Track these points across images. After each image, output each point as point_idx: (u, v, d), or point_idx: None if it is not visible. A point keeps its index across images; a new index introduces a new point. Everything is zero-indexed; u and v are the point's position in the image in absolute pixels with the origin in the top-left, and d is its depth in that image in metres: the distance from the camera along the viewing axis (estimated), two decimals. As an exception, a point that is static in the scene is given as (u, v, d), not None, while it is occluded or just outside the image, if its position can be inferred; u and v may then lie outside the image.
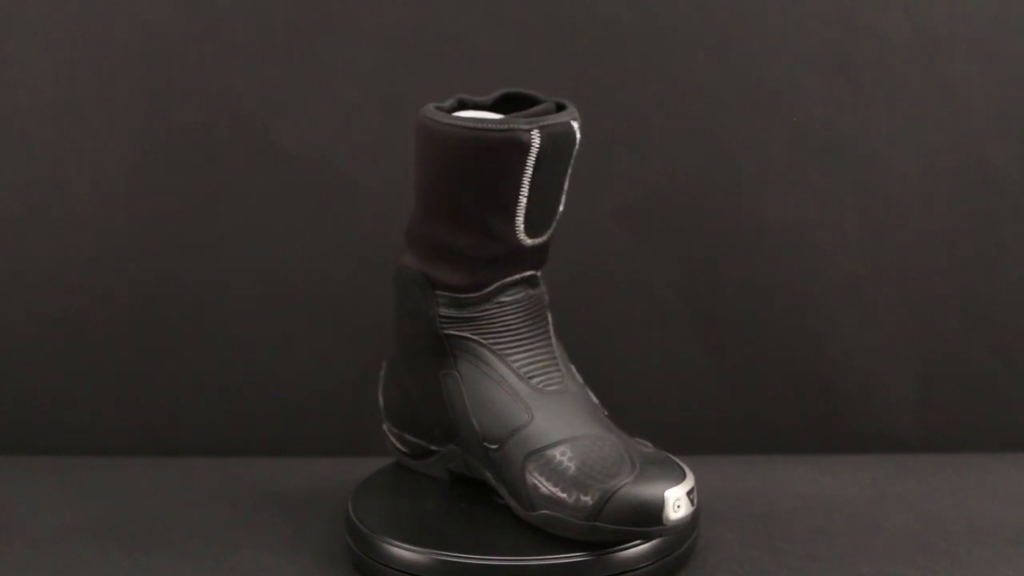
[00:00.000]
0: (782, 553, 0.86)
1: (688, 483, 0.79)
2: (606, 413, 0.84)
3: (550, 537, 0.79)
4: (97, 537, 0.90)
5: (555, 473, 0.79)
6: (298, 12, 1.02)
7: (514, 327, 0.83)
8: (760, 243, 1.04)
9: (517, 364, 0.83)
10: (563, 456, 0.79)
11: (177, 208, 1.04)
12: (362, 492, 0.88)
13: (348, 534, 0.84)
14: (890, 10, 1.02)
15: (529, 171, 0.78)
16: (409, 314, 0.86)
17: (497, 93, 0.85)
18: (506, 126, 0.77)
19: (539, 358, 0.83)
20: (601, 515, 0.77)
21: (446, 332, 0.84)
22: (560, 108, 0.81)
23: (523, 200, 0.79)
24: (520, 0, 1.02)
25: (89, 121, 1.04)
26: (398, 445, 0.91)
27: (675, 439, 1.03)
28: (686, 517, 0.78)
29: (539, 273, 0.85)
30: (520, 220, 0.80)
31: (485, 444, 0.82)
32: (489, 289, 0.82)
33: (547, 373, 0.83)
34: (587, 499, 0.77)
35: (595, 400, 0.85)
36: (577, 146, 0.79)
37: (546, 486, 0.79)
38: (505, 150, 0.77)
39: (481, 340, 0.83)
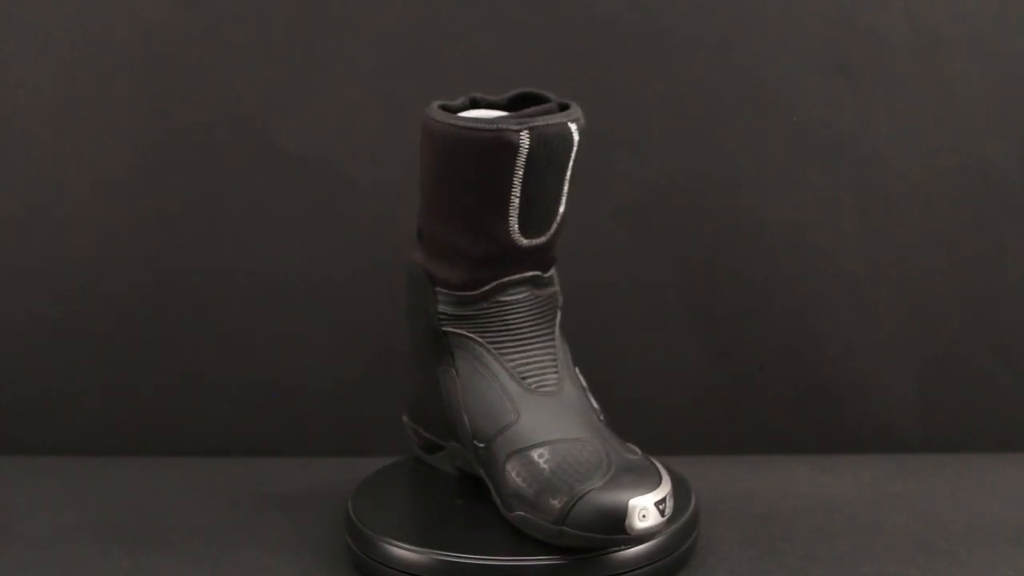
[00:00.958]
0: (782, 553, 0.86)
1: (659, 493, 0.76)
2: (601, 418, 0.84)
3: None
4: (97, 537, 0.90)
5: (531, 474, 0.78)
6: (298, 12, 1.02)
7: (514, 327, 0.83)
8: (760, 243, 1.04)
9: (513, 364, 0.82)
10: (540, 458, 0.79)
11: (177, 208, 1.04)
12: (362, 492, 0.88)
13: (348, 534, 0.84)
14: (890, 10, 1.02)
15: (520, 172, 0.77)
16: (413, 310, 0.86)
17: (512, 92, 0.84)
18: (495, 126, 0.77)
19: (538, 359, 0.83)
20: (567, 520, 0.76)
21: (444, 329, 0.84)
22: (565, 109, 0.81)
23: (515, 200, 0.79)
24: (520, 0, 1.02)
25: (89, 121, 1.04)
26: (414, 438, 0.91)
27: (675, 439, 1.03)
28: (655, 527, 0.76)
29: (548, 274, 0.84)
30: (514, 220, 0.79)
31: (475, 442, 0.83)
32: (486, 288, 0.82)
33: (543, 374, 0.83)
34: (555, 502, 0.76)
35: (594, 404, 0.84)
36: (575, 148, 0.79)
37: (522, 487, 0.78)
38: (494, 150, 0.77)
39: (478, 338, 0.83)
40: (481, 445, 0.82)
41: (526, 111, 0.80)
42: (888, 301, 1.05)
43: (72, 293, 1.05)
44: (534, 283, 0.84)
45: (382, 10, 1.02)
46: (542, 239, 0.81)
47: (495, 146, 0.77)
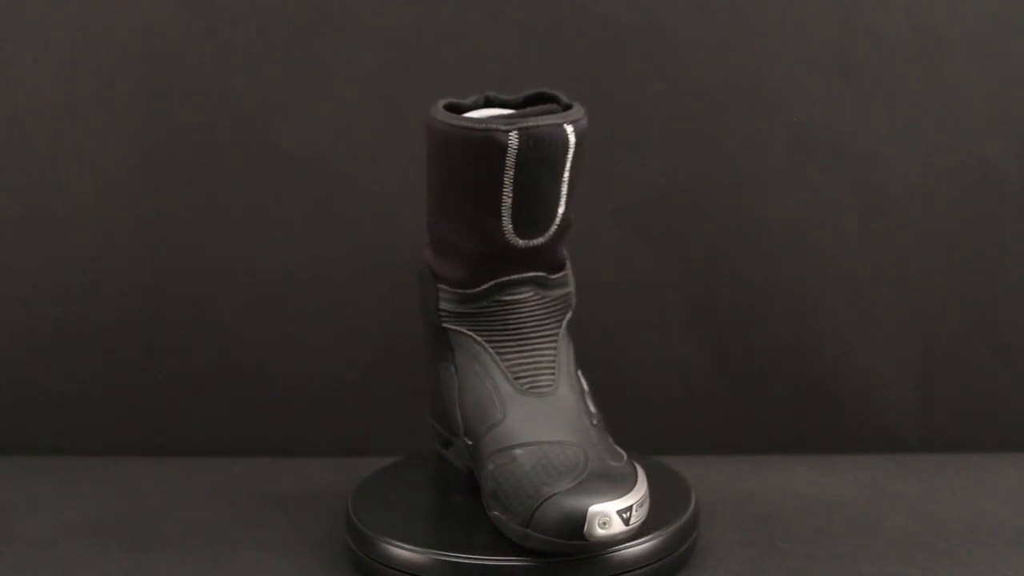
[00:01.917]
0: (782, 553, 0.86)
1: (624, 502, 0.74)
2: (595, 422, 0.82)
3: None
4: (97, 537, 0.90)
5: (505, 475, 0.78)
6: (298, 12, 1.02)
7: (514, 327, 0.83)
8: (760, 243, 1.04)
9: (508, 363, 0.82)
10: (517, 459, 0.78)
11: (177, 208, 1.04)
12: (362, 492, 0.88)
13: (348, 534, 0.84)
14: (890, 10, 1.02)
15: (510, 172, 0.77)
16: (421, 306, 0.86)
17: (527, 93, 0.84)
18: (484, 126, 0.77)
19: (535, 359, 0.83)
20: (532, 523, 0.75)
21: (445, 326, 0.84)
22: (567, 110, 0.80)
23: (507, 200, 0.78)
24: (520, 0, 1.02)
25: (89, 121, 1.04)
26: (432, 432, 0.92)
27: (675, 439, 1.03)
28: (618, 535, 0.75)
29: (557, 275, 0.84)
30: (507, 220, 0.79)
31: (465, 439, 0.83)
32: (485, 287, 0.82)
33: (538, 375, 0.82)
34: (522, 505, 0.76)
35: (590, 408, 0.83)
36: (571, 150, 0.78)
37: (497, 487, 0.78)
38: (484, 150, 0.77)
39: (477, 337, 0.83)
40: (470, 443, 0.83)
41: (523, 111, 0.80)
42: (888, 301, 1.05)
43: (72, 293, 1.05)
44: (539, 284, 0.83)
45: (382, 10, 1.02)
46: (539, 240, 0.81)
47: (484, 146, 0.77)
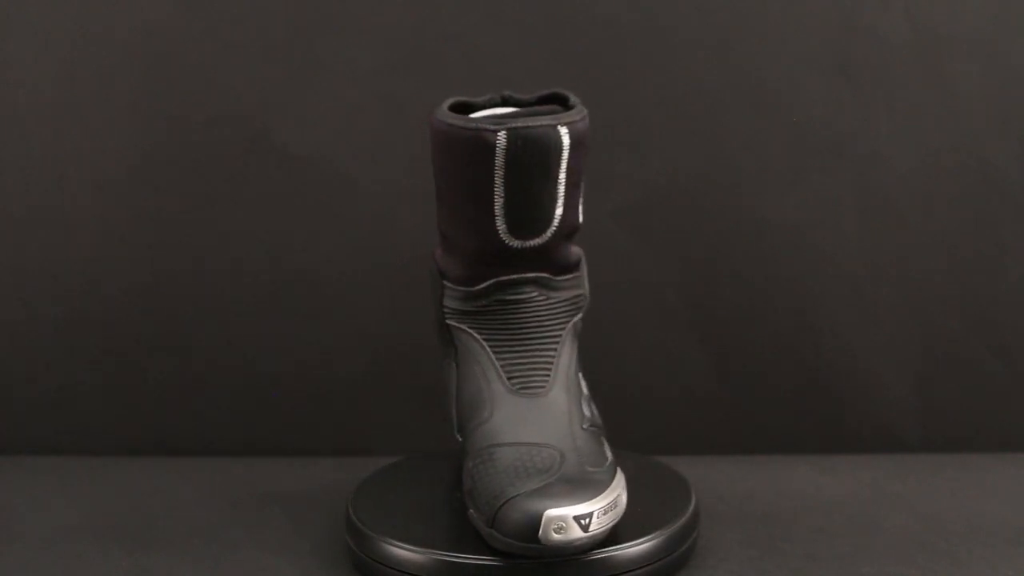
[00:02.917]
0: (782, 553, 0.85)
1: (584, 508, 0.73)
2: (586, 426, 0.81)
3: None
4: (97, 537, 0.90)
5: (479, 473, 0.78)
6: (298, 12, 1.02)
7: (514, 326, 0.83)
8: (760, 243, 1.04)
9: (504, 362, 0.82)
10: (492, 458, 0.78)
11: (177, 208, 1.04)
12: (362, 492, 0.88)
13: (348, 534, 0.84)
14: (890, 10, 1.02)
15: (500, 172, 0.77)
16: (431, 302, 0.87)
17: (541, 93, 0.84)
18: (475, 125, 0.76)
19: (532, 360, 0.82)
20: (494, 523, 0.75)
21: (449, 323, 0.84)
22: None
23: (499, 200, 0.78)
24: (520, 0, 1.02)
25: (89, 121, 1.04)
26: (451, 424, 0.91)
27: (675, 439, 1.03)
28: (575, 542, 0.73)
29: (563, 276, 0.84)
30: (500, 220, 0.79)
31: (457, 435, 0.84)
32: (484, 285, 0.82)
33: (532, 375, 0.82)
34: (487, 505, 0.76)
35: (586, 412, 0.82)
36: (565, 151, 0.77)
37: (472, 485, 0.78)
38: (472, 149, 0.77)
39: (476, 335, 0.83)
40: (460, 439, 0.83)
41: (520, 111, 0.80)
42: (888, 301, 1.05)
43: (72, 293, 1.05)
44: (542, 284, 0.83)
45: (382, 10, 1.02)
46: (536, 241, 0.80)
47: (473, 145, 0.76)
